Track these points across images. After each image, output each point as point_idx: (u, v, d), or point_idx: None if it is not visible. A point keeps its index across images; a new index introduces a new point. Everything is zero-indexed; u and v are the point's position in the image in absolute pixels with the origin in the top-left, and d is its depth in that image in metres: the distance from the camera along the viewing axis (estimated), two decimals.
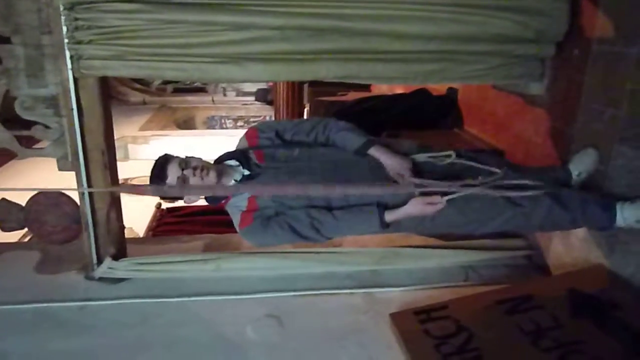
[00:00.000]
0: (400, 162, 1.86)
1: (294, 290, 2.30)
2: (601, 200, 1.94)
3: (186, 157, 1.87)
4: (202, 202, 1.97)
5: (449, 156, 1.95)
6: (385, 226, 1.83)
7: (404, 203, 1.80)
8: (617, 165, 2.00)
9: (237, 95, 11.63)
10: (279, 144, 1.98)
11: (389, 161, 1.86)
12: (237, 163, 1.92)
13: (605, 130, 2.06)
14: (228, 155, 1.97)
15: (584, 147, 2.15)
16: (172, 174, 1.79)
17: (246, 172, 1.89)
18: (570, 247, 2.23)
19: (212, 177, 1.82)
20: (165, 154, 1.88)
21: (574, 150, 2.21)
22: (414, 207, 1.79)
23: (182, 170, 1.79)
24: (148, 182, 1.85)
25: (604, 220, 1.92)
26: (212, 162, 1.95)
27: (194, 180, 1.79)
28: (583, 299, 1.85)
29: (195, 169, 1.80)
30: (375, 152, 1.89)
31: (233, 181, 1.88)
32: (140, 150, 7.43)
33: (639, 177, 1.91)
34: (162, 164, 1.82)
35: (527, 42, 2.23)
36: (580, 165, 2.11)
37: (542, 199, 1.88)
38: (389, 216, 1.82)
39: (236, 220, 1.89)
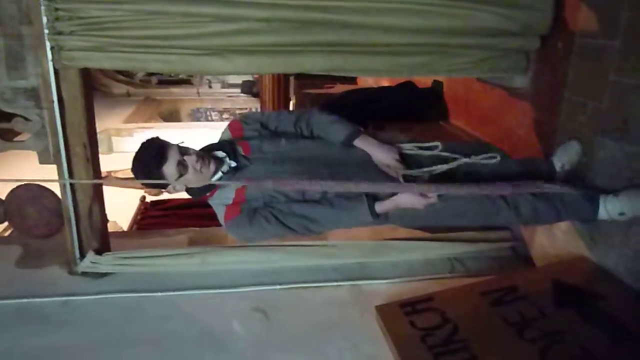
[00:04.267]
0: (387, 151, 1.85)
1: (280, 284, 2.29)
2: (585, 194, 1.95)
3: (182, 142, 1.80)
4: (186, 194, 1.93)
5: (435, 147, 1.95)
6: (376, 216, 1.82)
7: (394, 193, 1.80)
8: (600, 157, 2.02)
9: (223, 87, 11.55)
10: (265, 134, 1.95)
11: (376, 152, 1.85)
12: (224, 154, 1.87)
13: (588, 122, 2.09)
14: (213, 147, 1.92)
15: (567, 139, 2.17)
16: (173, 158, 1.71)
17: (233, 164, 1.86)
18: (553, 239, 2.26)
19: (211, 168, 1.79)
20: (157, 137, 1.79)
21: (558, 142, 2.23)
22: (404, 199, 1.78)
23: (182, 155, 1.73)
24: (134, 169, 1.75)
25: (588, 213, 1.94)
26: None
27: (192, 169, 1.73)
28: (567, 289, 1.88)
29: (197, 157, 1.74)
30: (361, 142, 1.87)
31: (220, 173, 1.84)
32: (124, 143, 7.35)
33: (621, 169, 1.94)
34: (160, 147, 1.72)
35: (513, 35, 2.24)
36: (564, 158, 2.13)
37: (525, 195, 1.90)
38: (379, 207, 1.81)
39: (221, 213, 1.85)
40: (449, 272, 2.40)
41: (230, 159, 1.86)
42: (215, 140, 1.99)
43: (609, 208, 1.90)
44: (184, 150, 1.75)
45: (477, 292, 1.94)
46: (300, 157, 1.86)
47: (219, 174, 1.84)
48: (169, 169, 1.71)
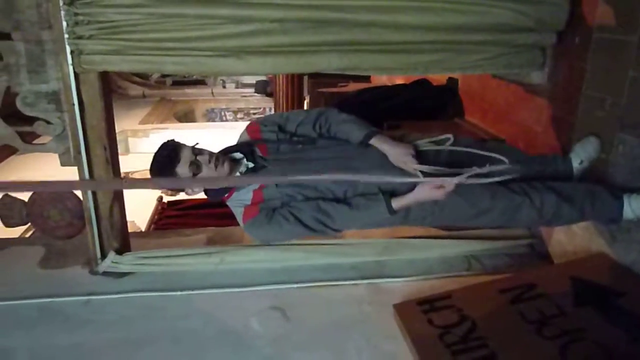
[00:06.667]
0: (403, 149, 1.85)
1: (298, 282, 2.31)
2: (609, 192, 1.93)
3: (197, 144, 1.83)
4: (203, 195, 1.95)
5: (447, 139, 1.94)
6: (393, 212, 1.81)
7: (410, 190, 1.79)
8: (619, 153, 2.00)
9: (237, 87, 11.60)
10: (283, 136, 1.96)
11: (392, 150, 1.85)
12: (242, 156, 1.89)
13: (607, 118, 2.06)
14: (231, 149, 1.94)
15: (585, 135, 2.15)
16: (185, 158, 1.73)
17: (250, 165, 1.87)
18: (572, 236, 2.24)
19: (225, 168, 1.80)
20: (173, 139, 1.82)
21: (576, 138, 2.21)
22: (422, 193, 1.76)
23: (196, 156, 1.75)
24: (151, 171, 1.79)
25: (613, 213, 1.91)
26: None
27: (206, 169, 1.75)
28: (586, 287, 1.86)
29: (210, 157, 1.76)
30: (377, 142, 1.88)
31: (238, 174, 1.86)
32: (140, 143, 7.44)
33: None
34: (174, 148, 1.75)
35: (528, 31, 2.22)
36: (582, 154, 2.11)
37: (549, 195, 1.88)
38: (396, 203, 1.80)
39: (239, 214, 1.86)
40: (465, 270, 2.39)
41: (247, 160, 1.88)
42: (232, 141, 2.01)
43: (634, 207, 1.88)
44: (197, 151, 1.77)
45: (496, 289, 1.93)
46: (317, 157, 1.87)
47: (237, 174, 1.85)
48: (182, 169, 1.74)
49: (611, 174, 2.04)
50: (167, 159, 1.73)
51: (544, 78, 2.48)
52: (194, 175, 1.76)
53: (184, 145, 1.79)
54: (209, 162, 1.76)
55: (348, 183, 1.83)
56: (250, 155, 1.89)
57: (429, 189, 1.75)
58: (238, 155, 1.89)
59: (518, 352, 1.65)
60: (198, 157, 1.75)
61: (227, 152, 1.92)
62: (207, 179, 1.78)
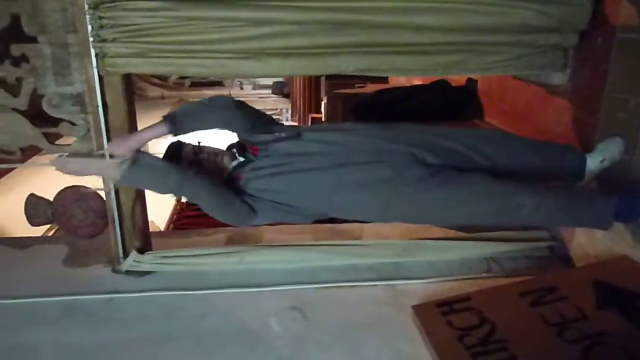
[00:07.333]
0: None
1: (316, 283, 2.32)
2: (630, 192, 1.91)
3: (199, 143, 1.95)
4: None
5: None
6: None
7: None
8: None
9: (254, 88, 11.65)
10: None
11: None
12: (235, 151, 1.98)
13: (630, 119, 2.03)
14: (232, 144, 2.05)
15: (610, 135, 2.12)
16: (186, 157, 1.90)
17: (241, 159, 1.95)
18: (593, 239, 2.22)
19: (226, 162, 1.93)
20: (178, 140, 1.97)
21: (598, 140, 2.18)
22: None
23: (196, 155, 1.89)
24: None
25: (616, 212, 1.87)
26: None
27: (207, 167, 1.90)
28: (609, 290, 1.83)
29: (209, 154, 1.91)
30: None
31: (230, 167, 1.96)
32: (159, 144, 7.51)
33: None
34: (174, 148, 1.91)
35: (550, 31, 2.20)
36: (606, 152, 2.07)
37: (547, 199, 1.87)
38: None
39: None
40: (485, 272, 2.38)
41: (239, 155, 1.96)
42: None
43: None
44: (197, 150, 1.91)
45: (516, 292, 1.92)
46: (304, 152, 1.93)
47: (230, 168, 1.96)
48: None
49: (633, 175, 2.00)
50: (168, 160, 1.88)
51: (565, 79, 2.45)
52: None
53: (186, 144, 1.93)
54: (208, 160, 1.91)
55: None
56: (241, 150, 1.97)
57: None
58: (234, 150, 1.98)
59: (539, 356, 1.64)
60: (200, 156, 1.90)
61: (229, 148, 2.02)
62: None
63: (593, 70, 2.26)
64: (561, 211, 1.88)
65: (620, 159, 2.06)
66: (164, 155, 1.93)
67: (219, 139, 2.06)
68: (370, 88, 5.11)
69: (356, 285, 2.30)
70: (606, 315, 1.74)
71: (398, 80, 5.75)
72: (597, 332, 1.67)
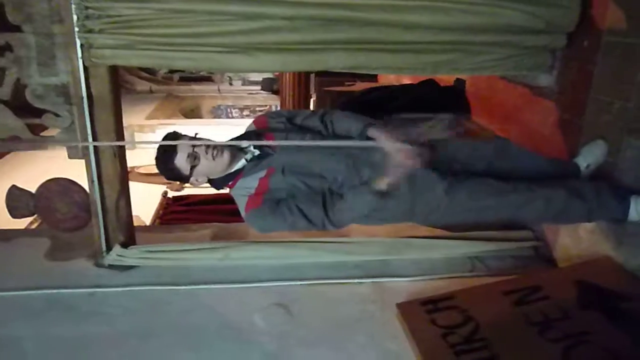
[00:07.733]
0: (395, 136, 1.78)
1: (302, 280, 2.31)
2: (616, 191, 1.93)
3: (196, 134, 1.85)
4: (209, 190, 1.95)
5: (430, 119, 1.86)
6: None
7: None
8: (627, 157, 2.00)
9: (243, 84, 11.61)
10: (291, 128, 1.97)
11: (384, 138, 1.77)
12: (248, 144, 1.90)
13: (615, 121, 2.06)
14: (238, 138, 1.97)
15: (592, 138, 2.15)
16: (183, 150, 1.76)
17: (257, 152, 1.88)
18: (577, 240, 2.24)
19: (225, 157, 1.81)
20: (175, 131, 1.86)
21: (583, 142, 2.21)
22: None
23: (193, 147, 1.77)
24: (155, 164, 1.83)
25: (618, 212, 1.91)
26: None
27: (204, 160, 1.78)
28: (591, 290, 1.86)
29: (207, 147, 1.78)
30: (372, 132, 1.85)
31: (244, 160, 1.88)
32: (147, 138, 7.46)
33: None
34: (171, 140, 1.80)
35: (538, 33, 2.22)
36: (589, 157, 2.11)
37: (559, 190, 1.88)
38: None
39: (242, 204, 1.84)
40: (469, 271, 2.39)
41: (255, 148, 1.89)
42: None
43: None
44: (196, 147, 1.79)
45: (500, 291, 1.93)
46: (323, 148, 1.87)
47: (242, 161, 1.87)
48: (180, 161, 1.78)
49: (618, 178, 2.03)
50: (165, 152, 1.78)
51: (552, 80, 2.48)
52: (192, 167, 1.79)
53: (183, 136, 1.82)
54: (207, 152, 1.78)
55: (348, 169, 1.84)
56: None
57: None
58: (245, 143, 1.90)
59: (521, 354, 1.65)
60: (196, 149, 1.77)
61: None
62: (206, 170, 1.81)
63: (579, 72, 2.28)
64: (575, 200, 1.89)
65: (604, 161, 2.08)
66: (161, 147, 1.80)
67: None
68: (360, 86, 5.12)
69: (342, 283, 2.30)
70: (588, 315, 1.76)
71: (387, 79, 5.76)
72: (579, 331, 1.69)
